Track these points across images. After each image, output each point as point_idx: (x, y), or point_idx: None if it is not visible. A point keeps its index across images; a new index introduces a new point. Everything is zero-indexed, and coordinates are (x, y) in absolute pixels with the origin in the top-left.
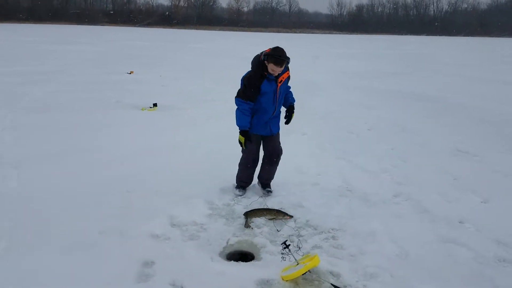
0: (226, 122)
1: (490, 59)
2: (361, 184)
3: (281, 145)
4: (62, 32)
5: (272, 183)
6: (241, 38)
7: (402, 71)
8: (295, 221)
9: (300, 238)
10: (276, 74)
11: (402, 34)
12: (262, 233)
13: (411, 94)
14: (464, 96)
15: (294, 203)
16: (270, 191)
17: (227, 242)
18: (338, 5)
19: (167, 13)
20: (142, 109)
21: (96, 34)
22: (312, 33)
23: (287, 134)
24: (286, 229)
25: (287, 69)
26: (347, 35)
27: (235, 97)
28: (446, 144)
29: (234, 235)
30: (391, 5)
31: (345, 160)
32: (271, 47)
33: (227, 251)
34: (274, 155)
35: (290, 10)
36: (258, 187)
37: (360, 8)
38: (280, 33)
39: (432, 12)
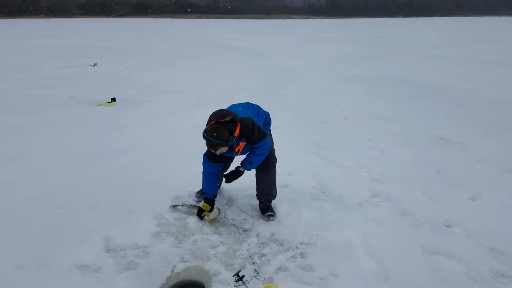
0: (191, 116)
1: (465, 38)
2: (336, 183)
3: None
4: (31, 26)
5: (244, 192)
6: (216, 25)
7: (376, 54)
8: (258, 235)
9: (262, 259)
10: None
11: (378, 17)
12: (216, 255)
13: (387, 78)
14: (442, 78)
15: (259, 212)
16: (272, 215)
17: (172, 270)
18: None
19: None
20: (99, 105)
21: (67, 27)
22: (290, 18)
23: None
24: (247, 246)
25: (243, 140)
26: (324, 19)
27: (204, 154)
28: (426, 132)
29: (182, 260)
30: None
31: (319, 155)
32: (218, 116)
33: (171, 282)
34: None
35: None
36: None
37: None
38: (257, 19)
39: None
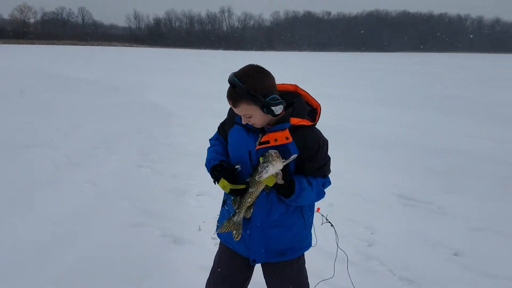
0: (50, 201)
1: (333, 75)
2: None
3: None
4: None
5: None
6: (37, 52)
7: None
8: None
9: None
10: (242, 119)
11: (201, 49)
12: None
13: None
14: (392, 127)
15: None
16: None
17: None
18: (135, 18)
19: None
20: None
21: None
22: (111, 45)
23: None
24: None
25: (284, 120)
26: (148, 48)
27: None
28: None
29: None
30: (187, 20)
31: None
32: None
33: None
34: None
35: (83, 22)
36: None
37: (157, 21)
38: (75, 46)
39: (225, 28)
